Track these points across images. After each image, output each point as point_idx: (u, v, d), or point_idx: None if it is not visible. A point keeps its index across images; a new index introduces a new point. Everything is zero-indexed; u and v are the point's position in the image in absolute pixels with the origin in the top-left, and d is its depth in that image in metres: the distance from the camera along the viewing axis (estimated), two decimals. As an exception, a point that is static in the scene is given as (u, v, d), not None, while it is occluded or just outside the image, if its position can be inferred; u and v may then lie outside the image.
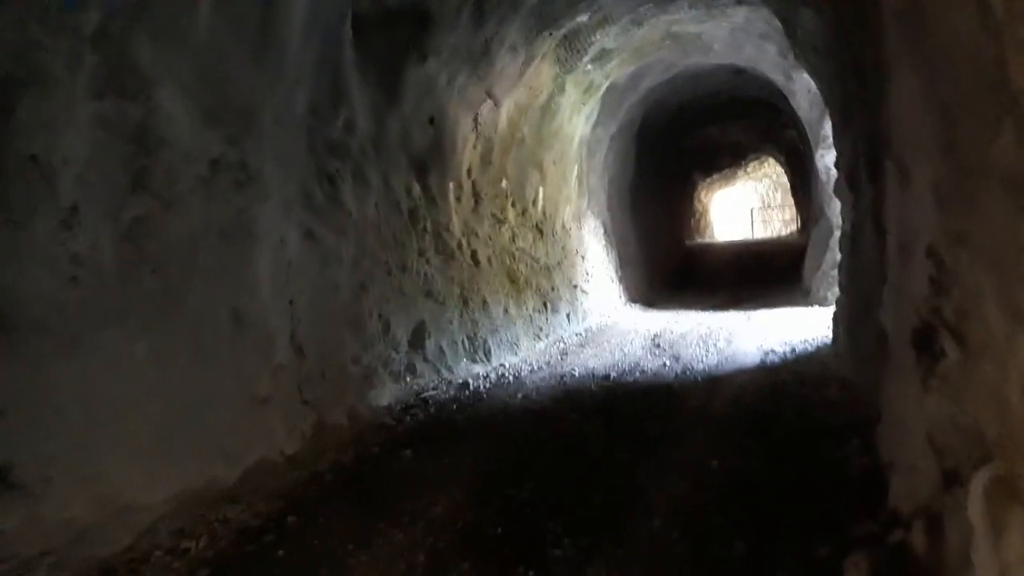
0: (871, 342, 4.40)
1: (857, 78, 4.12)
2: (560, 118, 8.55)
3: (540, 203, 8.34)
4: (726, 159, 23.86)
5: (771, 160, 24.17)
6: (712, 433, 4.30)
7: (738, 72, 11.14)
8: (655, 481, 3.58)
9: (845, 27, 4.14)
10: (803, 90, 8.54)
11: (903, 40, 2.74)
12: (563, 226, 9.06)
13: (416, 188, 5.86)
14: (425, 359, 5.62)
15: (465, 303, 6.30)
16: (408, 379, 5.39)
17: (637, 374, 6.08)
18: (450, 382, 5.65)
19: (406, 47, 5.41)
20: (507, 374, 6.11)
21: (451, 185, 6.30)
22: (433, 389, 5.42)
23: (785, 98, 10.52)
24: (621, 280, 11.01)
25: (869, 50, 3.58)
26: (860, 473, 3.36)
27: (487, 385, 5.71)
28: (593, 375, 6.07)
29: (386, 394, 5.00)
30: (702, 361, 6.51)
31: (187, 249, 3.54)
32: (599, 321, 9.27)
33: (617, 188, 11.67)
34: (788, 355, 6.42)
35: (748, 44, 8.46)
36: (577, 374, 6.13)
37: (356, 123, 5.05)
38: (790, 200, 25.60)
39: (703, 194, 26.52)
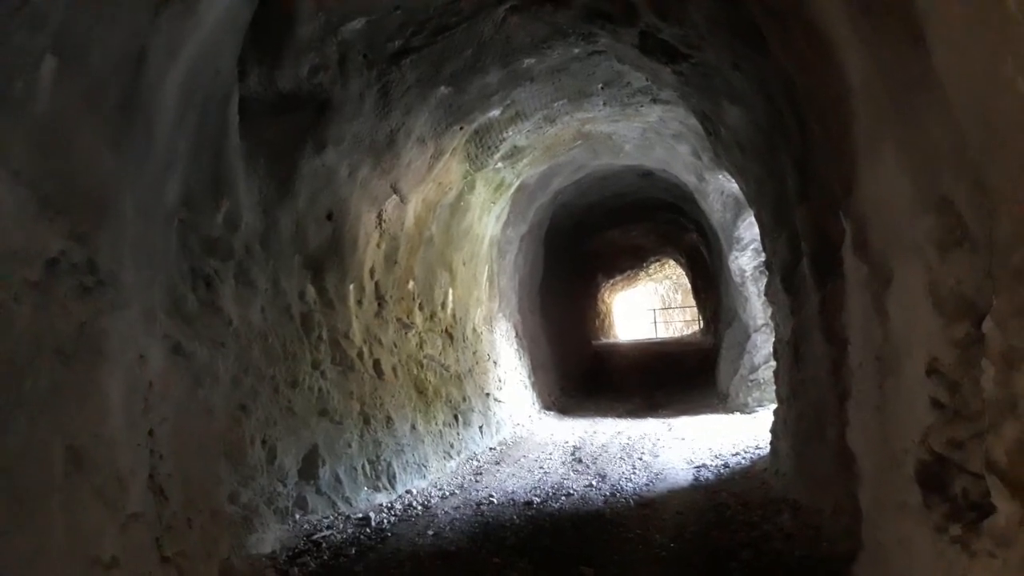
0: (828, 463, 3.95)
1: (800, 173, 3.84)
2: (470, 217, 8.12)
3: (450, 306, 7.77)
4: (629, 261, 24.33)
5: (672, 262, 24.80)
6: (662, 577, 3.66)
7: (646, 175, 11.18)
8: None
9: (783, 121, 3.89)
10: (716, 191, 8.49)
11: (884, 132, 2.40)
12: (474, 330, 8.49)
13: (311, 291, 5.18)
14: (318, 491, 4.79)
15: (366, 421, 5.53)
16: (298, 516, 4.53)
17: (562, 498, 5.42)
18: (348, 517, 4.80)
19: (302, 135, 4.84)
20: (415, 503, 5.30)
21: (351, 287, 5.64)
22: (328, 528, 4.56)
23: (692, 200, 10.54)
24: (534, 385, 10.44)
25: (820, 145, 3.28)
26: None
27: (392, 519, 4.89)
28: (513, 501, 5.36)
29: (270, 538, 4.13)
30: (630, 480, 5.93)
31: (7, 374, 2.72)
32: (513, 432, 8.60)
33: (528, 290, 11.28)
34: (722, 471, 5.93)
35: (659, 145, 8.38)
36: (495, 500, 5.40)
37: (240, 217, 4.37)
38: (691, 301, 26.22)
39: (607, 295, 26.82)
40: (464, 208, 7.90)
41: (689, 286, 25.05)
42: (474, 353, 8.33)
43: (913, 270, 2.31)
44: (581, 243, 16.55)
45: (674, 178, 9.97)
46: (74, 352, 3.07)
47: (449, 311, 7.74)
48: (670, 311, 32.10)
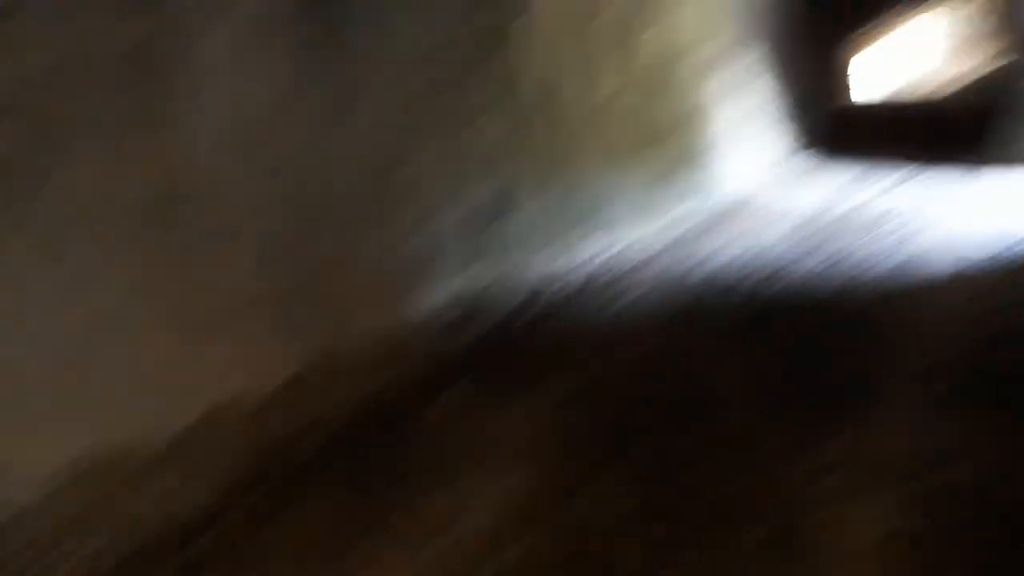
0: None
1: None
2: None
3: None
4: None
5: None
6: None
7: None
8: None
9: None
10: None
11: None
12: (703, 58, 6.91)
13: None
14: (503, 244, 4.14)
15: (566, 160, 4.67)
16: (475, 269, 3.96)
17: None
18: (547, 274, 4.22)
19: None
20: (618, 260, 4.57)
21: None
22: (505, 287, 3.99)
23: None
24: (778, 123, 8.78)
25: None
26: None
27: (586, 275, 4.23)
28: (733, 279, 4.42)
29: (429, 299, 3.61)
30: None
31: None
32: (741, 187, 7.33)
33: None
34: None
35: None
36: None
37: None
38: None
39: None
40: None
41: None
42: (695, 101, 6.86)
43: None
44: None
45: None
46: (149, 59, 2.44)
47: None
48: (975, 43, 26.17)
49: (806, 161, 9.33)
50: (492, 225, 4.09)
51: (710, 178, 6.75)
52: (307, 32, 2.92)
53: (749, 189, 7.35)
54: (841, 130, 12.14)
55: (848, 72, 14.52)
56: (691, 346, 3.26)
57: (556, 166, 4.64)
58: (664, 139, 5.94)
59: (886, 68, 23.48)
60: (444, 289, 3.69)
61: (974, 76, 15.74)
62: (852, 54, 16.03)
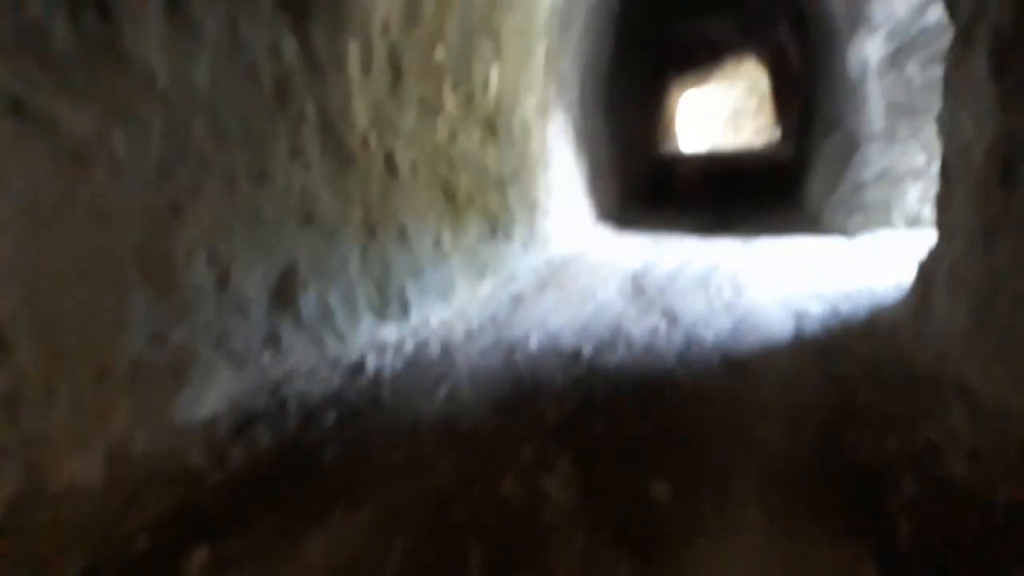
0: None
1: None
2: (525, -29, 6.23)
3: (494, 88, 6.12)
4: (704, 58, 21.66)
5: (751, 61, 22.01)
6: (772, 514, 2.39)
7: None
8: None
9: None
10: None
11: None
12: (524, 123, 6.87)
13: (290, 46, 3.63)
14: (298, 324, 3.56)
15: (371, 232, 4.19)
16: (265, 360, 3.34)
17: (621, 348, 4.13)
18: (337, 361, 3.61)
19: None
20: (431, 341, 4.10)
21: (352, 46, 4.06)
22: (305, 377, 3.39)
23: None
24: (591, 193, 8.95)
25: None
26: None
27: (396, 365, 3.69)
28: (557, 348, 4.10)
29: (213, 396, 2.95)
30: (709, 324, 4.59)
31: None
32: (562, 249, 7.26)
33: (593, 78, 9.42)
34: (832, 322, 4.53)
35: None
36: (534, 344, 4.15)
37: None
38: (767, 107, 23.60)
39: (675, 96, 24.26)
40: (518, -43, 6.00)
41: (767, 90, 22.45)
42: (522, 152, 6.78)
43: None
44: (656, 30, 14.19)
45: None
46: None
47: (492, 95, 6.11)
48: (742, 117, 29.36)
49: (628, 217, 9.57)
50: (276, 311, 3.52)
51: (530, 241, 6.56)
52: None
53: (572, 249, 7.29)
54: (661, 184, 12.84)
55: (664, 128, 15.56)
56: (515, 446, 2.85)
57: (353, 235, 4.16)
58: (475, 203, 5.66)
59: (694, 126, 25.68)
60: (217, 393, 3.05)
61: (758, 144, 17.49)
62: (668, 112, 17.23)
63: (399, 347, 3.94)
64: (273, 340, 3.41)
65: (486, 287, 5.43)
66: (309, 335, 3.61)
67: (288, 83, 3.63)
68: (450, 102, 5.32)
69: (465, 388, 3.43)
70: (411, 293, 4.40)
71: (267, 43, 3.51)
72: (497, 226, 5.99)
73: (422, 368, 3.70)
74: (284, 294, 3.50)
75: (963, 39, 3.51)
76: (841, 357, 3.84)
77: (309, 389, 3.28)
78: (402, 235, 4.45)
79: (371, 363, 3.65)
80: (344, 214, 3.98)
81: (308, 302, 3.63)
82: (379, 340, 3.98)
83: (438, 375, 3.59)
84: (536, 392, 3.39)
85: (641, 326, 4.62)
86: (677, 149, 22.54)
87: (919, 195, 6.88)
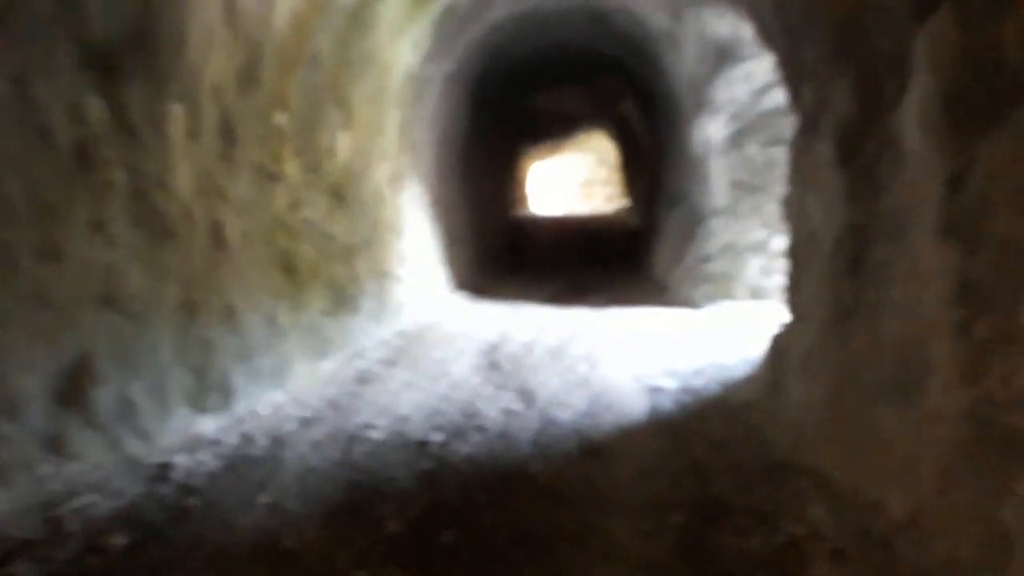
0: (910, 431, 2.47)
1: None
2: (378, 36, 6.04)
3: (342, 155, 5.81)
4: (557, 128, 22.47)
5: (600, 134, 23.06)
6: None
7: (598, 18, 9.16)
8: None
9: None
10: (694, 36, 6.65)
11: None
12: (375, 190, 6.59)
13: (95, 107, 3.17)
14: (91, 424, 3.01)
15: (191, 312, 3.71)
16: (43, 470, 2.77)
17: (473, 434, 3.84)
18: (137, 465, 3.08)
19: None
20: (257, 434, 3.62)
21: (175, 109, 3.64)
22: (93, 488, 2.84)
23: (650, 54, 8.71)
24: (447, 262, 8.75)
25: None
26: None
27: (211, 467, 3.19)
28: (403, 436, 3.75)
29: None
30: (564, 404, 4.41)
31: None
32: (416, 320, 6.95)
33: (448, 147, 9.33)
34: (684, 398, 4.48)
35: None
36: (377, 432, 3.77)
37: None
38: (616, 177, 24.66)
39: (528, 163, 24.91)
40: (370, 22, 5.80)
41: (615, 161, 23.55)
42: (373, 220, 6.48)
43: None
44: (511, 100, 14.49)
45: (635, 20, 8.01)
46: None
47: (340, 162, 5.80)
48: (594, 186, 30.56)
49: (484, 284, 9.41)
50: (61, 409, 2.97)
51: (381, 312, 6.21)
52: None
53: (427, 319, 6.98)
54: (516, 249, 12.93)
55: (519, 196, 15.80)
56: (347, 569, 2.46)
57: (167, 317, 3.66)
58: (320, 274, 5.27)
59: (549, 192, 26.43)
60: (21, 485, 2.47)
61: (609, 210, 18.20)
62: (523, 180, 17.55)
63: (217, 443, 3.44)
64: (55, 444, 2.85)
65: (329, 365, 5.00)
66: (104, 436, 3.07)
67: (92, 148, 3.16)
68: (292, 169, 4.95)
69: (293, 493, 2.99)
70: (236, 378, 3.92)
71: (66, 104, 3.04)
72: (344, 298, 5.61)
73: (243, 468, 3.22)
74: (73, 389, 2.96)
75: (809, 127, 3.62)
76: (695, 438, 3.75)
77: (96, 504, 2.73)
78: (228, 314, 3.99)
79: (181, 465, 3.13)
80: (157, 293, 3.48)
81: (104, 396, 3.09)
82: (193, 436, 3.47)
83: (261, 477, 3.12)
84: (375, 495, 3.01)
85: (495, 406, 4.37)
86: (532, 214, 23.02)
87: (760, 268, 7.19)
